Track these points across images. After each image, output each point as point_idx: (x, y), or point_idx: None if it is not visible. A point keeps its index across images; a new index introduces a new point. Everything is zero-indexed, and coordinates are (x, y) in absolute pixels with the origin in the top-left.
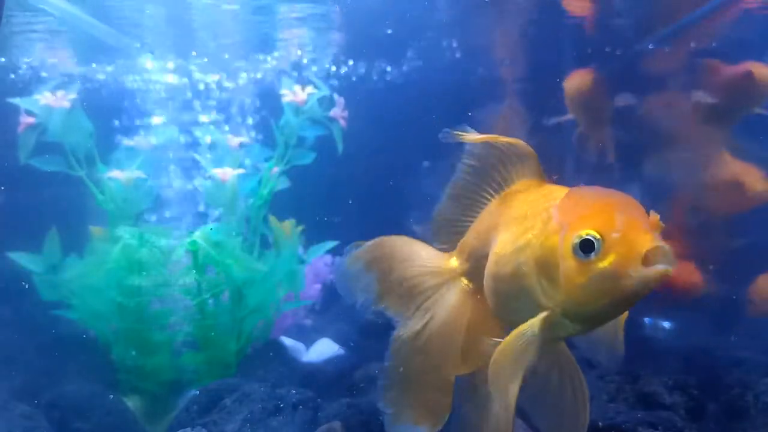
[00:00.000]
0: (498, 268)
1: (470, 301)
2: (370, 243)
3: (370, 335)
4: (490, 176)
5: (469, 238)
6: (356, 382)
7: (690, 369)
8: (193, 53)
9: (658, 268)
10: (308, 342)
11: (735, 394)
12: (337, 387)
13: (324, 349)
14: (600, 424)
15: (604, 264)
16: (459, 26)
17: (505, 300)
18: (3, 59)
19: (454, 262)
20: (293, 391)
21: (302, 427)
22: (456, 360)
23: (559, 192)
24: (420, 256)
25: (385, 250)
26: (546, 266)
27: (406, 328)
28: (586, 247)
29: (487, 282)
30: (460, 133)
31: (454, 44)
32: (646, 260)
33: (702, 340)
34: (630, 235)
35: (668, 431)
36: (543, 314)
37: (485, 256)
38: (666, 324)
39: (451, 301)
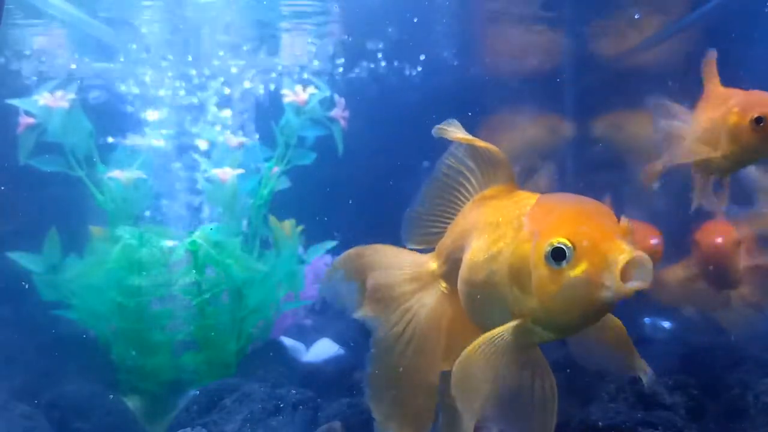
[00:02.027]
0: (471, 274)
1: (448, 303)
2: (349, 252)
3: (370, 335)
4: (466, 178)
5: (446, 241)
6: (356, 382)
7: (690, 369)
8: (189, 57)
9: (633, 285)
10: (308, 342)
11: (735, 394)
12: (337, 387)
13: (324, 349)
14: (600, 424)
15: (575, 272)
16: (461, 25)
17: (478, 306)
18: (2, 59)
19: (432, 264)
20: (293, 391)
21: (302, 427)
22: (437, 363)
23: (529, 199)
24: (399, 262)
25: (365, 260)
26: (518, 275)
27: (386, 333)
28: (557, 255)
29: (460, 287)
30: (444, 128)
31: (457, 44)
32: (623, 272)
33: (702, 340)
34: (601, 243)
35: (668, 431)
36: (514, 323)
37: (458, 260)
38: (666, 324)
39: (429, 305)
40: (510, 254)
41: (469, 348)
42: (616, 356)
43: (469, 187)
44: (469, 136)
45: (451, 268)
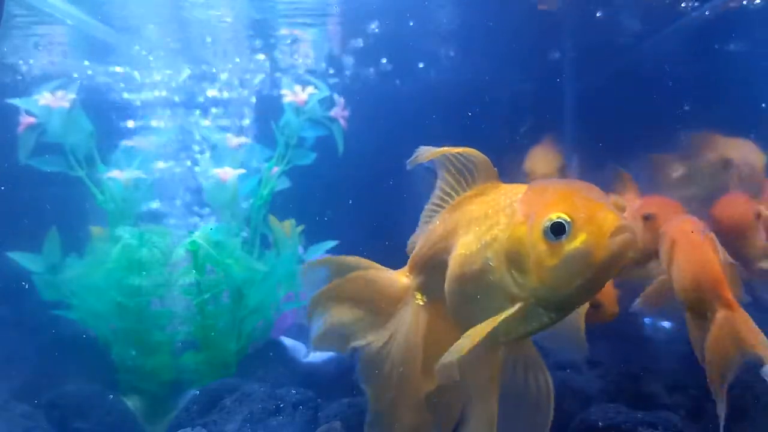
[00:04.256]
0: (463, 268)
1: (426, 314)
2: (319, 294)
3: None
4: (447, 191)
5: (421, 250)
6: (356, 382)
7: (690, 369)
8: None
9: (624, 236)
10: (308, 342)
11: (735, 394)
12: (337, 387)
13: None
14: (600, 424)
15: (575, 244)
16: (461, 24)
17: (471, 300)
18: (2, 59)
19: (405, 279)
20: (293, 391)
21: (302, 427)
22: (420, 376)
23: (518, 189)
24: (371, 283)
25: (338, 292)
26: (516, 257)
27: (370, 355)
28: (556, 230)
29: (450, 286)
30: (415, 157)
31: (457, 43)
32: (613, 236)
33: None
34: (597, 215)
35: (668, 431)
36: (518, 305)
37: (441, 264)
38: (666, 324)
39: (408, 320)
40: (506, 239)
41: (475, 331)
42: (566, 333)
43: (452, 198)
44: (438, 149)
45: (428, 277)
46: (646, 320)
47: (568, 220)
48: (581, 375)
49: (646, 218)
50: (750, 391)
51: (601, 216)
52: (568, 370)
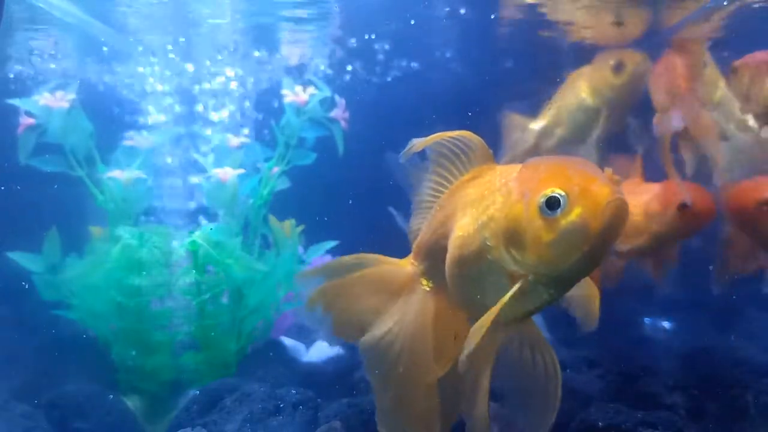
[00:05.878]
0: (461, 250)
1: (432, 300)
2: (324, 287)
3: None
4: (445, 175)
5: (424, 237)
6: (356, 382)
7: (690, 369)
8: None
9: (617, 207)
10: (308, 342)
11: (735, 394)
12: (337, 387)
13: (324, 349)
14: (600, 424)
15: (571, 217)
16: (461, 24)
17: (471, 282)
18: (2, 59)
19: (409, 266)
20: (293, 391)
21: (302, 427)
22: (431, 363)
23: (513, 169)
24: (374, 275)
25: (339, 286)
26: (513, 235)
27: (377, 345)
28: (552, 204)
29: (450, 269)
30: (408, 148)
31: (456, 43)
32: (608, 208)
33: (702, 340)
34: (592, 188)
35: (668, 431)
36: (517, 285)
37: (443, 249)
38: (666, 324)
39: (414, 308)
40: (503, 217)
41: (480, 321)
42: (579, 304)
43: (451, 181)
44: (432, 136)
45: (432, 262)
46: (646, 320)
47: (563, 194)
48: (581, 375)
49: (683, 207)
50: (750, 391)
51: (596, 189)
52: (568, 370)
